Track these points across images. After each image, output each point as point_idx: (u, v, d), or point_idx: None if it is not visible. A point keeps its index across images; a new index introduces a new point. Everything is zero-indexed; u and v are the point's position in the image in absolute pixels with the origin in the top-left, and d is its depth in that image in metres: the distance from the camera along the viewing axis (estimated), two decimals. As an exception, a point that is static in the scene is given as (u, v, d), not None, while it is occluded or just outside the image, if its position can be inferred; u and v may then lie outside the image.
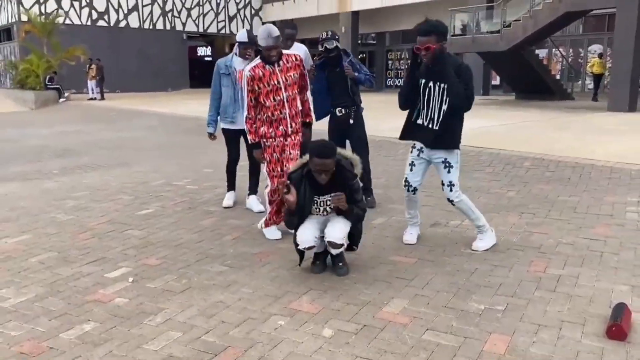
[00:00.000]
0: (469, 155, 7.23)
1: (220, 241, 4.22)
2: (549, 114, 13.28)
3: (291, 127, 4.15)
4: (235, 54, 4.87)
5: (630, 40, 13.63)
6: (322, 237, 3.46)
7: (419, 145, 3.89)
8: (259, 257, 3.85)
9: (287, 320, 2.88)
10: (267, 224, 4.29)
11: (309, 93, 4.45)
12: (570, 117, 12.55)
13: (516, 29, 15.83)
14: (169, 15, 28.08)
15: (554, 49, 22.24)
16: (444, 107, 3.68)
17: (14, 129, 13.74)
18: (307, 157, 3.41)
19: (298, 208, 3.43)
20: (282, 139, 4.15)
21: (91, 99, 22.17)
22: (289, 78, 4.07)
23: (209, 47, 31.70)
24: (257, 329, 2.79)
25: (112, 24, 26.36)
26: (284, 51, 4.12)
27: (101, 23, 26.07)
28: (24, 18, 23.20)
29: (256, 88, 4.03)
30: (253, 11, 30.88)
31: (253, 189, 5.21)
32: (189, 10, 28.69)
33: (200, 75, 27.05)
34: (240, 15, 30.34)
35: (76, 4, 25.32)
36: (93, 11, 25.78)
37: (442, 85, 3.64)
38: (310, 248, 3.44)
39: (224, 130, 5.07)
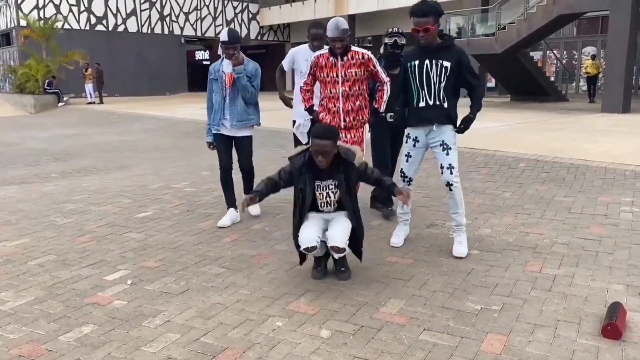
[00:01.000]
0: (465, 156, 7.24)
1: (218, 243, 4.22)
2: (544, 115, 13.31)
3: (344, 121, 4.12)
4: (224, 56, 4.60)
5: (624, 42, 13.67)
6: (323, 241, 3.37)
7: (413, 135, 3.87)
8: (257, 259, 3.85)
9: (285, 321, 2.87)
10: None
11: (386, 88, 4.17)
12: (564, 118, 12.57)
13: (511, 32, 15.87)
14: (167, 19, 28.09)
15: (548, 51, 22.30)
16: (443, 84, 3.69)
17: (13, 132, 13.72)
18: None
19: (299, 196, 3.35)
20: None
21: (90, 102, 22.13)
22: (349, 74, 4.04)
23: (207, 51, 31.71)
24: (255, 330, 2.78)
25: (110, 28, 26.36)
26: (353, 48, 4.08)
27: (99, 27, 26.07)
28: (23, 23, 23.18)
29: (316, 74, 4.14)
30: (250, 15, 30.93)
31: (249, 190, 5.07)
32: (186, 14, 28.70)
33: (198, 78, 27.04)
34: (237, 20, 30.37)
35: (75, 8, 25.31)
36: (91, 16, 25.77)
37: (441, 62, 3.64)
38: (312, 249, 3.30)
39: (214, 136, 4.76)
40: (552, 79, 21.13)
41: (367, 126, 4.34)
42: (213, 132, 4.72)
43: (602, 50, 19.46)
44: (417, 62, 3.72)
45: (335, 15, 25.09)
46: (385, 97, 4.20)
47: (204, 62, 33.11)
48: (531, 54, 19.87)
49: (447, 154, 3.77)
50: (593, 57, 18.51)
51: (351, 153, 3.33)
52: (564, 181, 6.08)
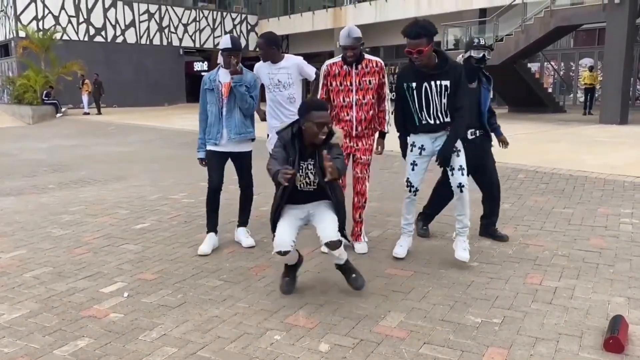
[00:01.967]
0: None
1: (216, 255, 4.19)
2: (542, 127, 13.34)
3: (356, 130, 4.09)
4: (221, 65, 4.33)
5: (621, 54, 13.75)
6: (294, 248, 3.24)
7: (419, 143, 3.86)
8: (255, 271, 3.82)
9: (284, 335, 2.84)
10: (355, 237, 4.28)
11: (387, 104, 4.18)
12: (562, 130, 12.60)
13: (508, 43, 15.96)
14: (166, 30, 28.18)
15: (545, 63, 22.42)
16: (444, 101, 3.68)
17: (10, 143, 13.70)
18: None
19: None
20: (347, 139, 4.09)
21: (85, 113, 22.10)
22: (364, 82, 4.03)
23: (206, 62, 31.79)
24: (253, 344, 2.74)
25: (109, 40, 26.43)
26: (366, 56, 4.06)
27: (98, 39, 26.13)
28: (22, 34, 23.20)
29: (329, 84, 4.10)
30: (249, 27, 31.06)
31: (243, 219, 4.57)
32: (185, 25, 28.81)
33: (196, 89, 26.96)
34: (236, 31, 30.48)
35: (74, 20, 25.38)
36: (90, 27, 25.84)
37: (440, 82, 3.63)
38: (284, 253, 3.18)
39: (208, 152, 4.35)
40: (550, 90, 21.22)
41: (377, 134, 4.29)
42: (208, 147, 4.34)
43: (600, 61, 19.58)
44: (414, 85, 3.69)
45: (333, 27, 25.33)
46: (387, 117, 4.19)
47: (202, 73, 33.10)
48: (529, 65, 19.98)
49: (458, 155, 3.78)
50: (591, 69, 18.60)
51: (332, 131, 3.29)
52: (563, 192, 6.08)
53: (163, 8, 27.91)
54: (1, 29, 26.46)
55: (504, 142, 4.59)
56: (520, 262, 3.89)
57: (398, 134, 4.03)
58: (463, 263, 3.82)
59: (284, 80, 4.46)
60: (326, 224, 3.22)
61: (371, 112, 4.10)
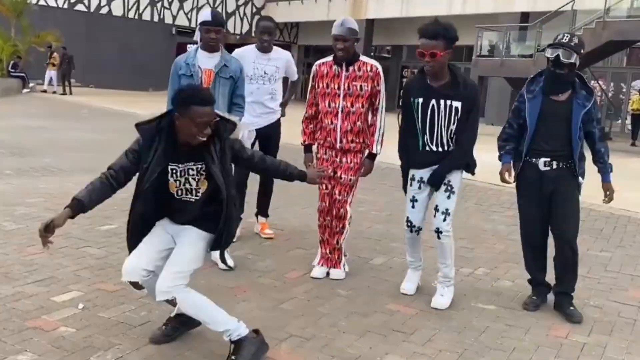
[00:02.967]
0: (487, 193, 7.20)
1: (191, 269, 4.15)
2: (582, 155, 13.31)
3: (340, 142, 4.03)
4: (199, 46, 4.17)
5: (680, 79, 13.77)
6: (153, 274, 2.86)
7: (418, 176, 3.78)
8: (235, 292, 3.79)
9: (261, 370, 2.80)
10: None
11: (380, 118, 4.07)
12: (606, 160, 12.56)
13: (551, 55, 15.98)
14: (158, 5, 28.32)
15: (593, 81, 22.46)
16: (452, 127, 3.62)
17: (-34, 118, 13.70)
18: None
19: (144, 180, 2.83)
20: (331, 152, 4.08)
21: (44, 91, 21.89)
22: (353, 87, 3.96)
23: (201, 45, 32.02)
24: (223, 378, 2.71)
25: (92, 10, 26.54)
26: (362, 58, 4.01)
27: (79, 7, 26.25)
28: (-7, -5, 23.36)
29: (317, 86, 4.06)
30: (255, 9, 31.20)
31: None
32: (181, 1, 28.95)
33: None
34: (239, 13, 30.65)
35: (53, -17, 25.54)
36: (71, -7, 26.00)
37: (450, 102, 3.57)
38: (135, 286, 2.88)
39: None
40: (596, 113, 21.20)
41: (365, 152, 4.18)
42: None
43: (655, 85, 19.63)
44: (420, 101, 3.63)
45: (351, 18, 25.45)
46: (377, 135, 4.08)
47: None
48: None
49: (449, 196, 3.69)
50: (642, 92, 18.66)
51: (231, 123, 2.95)
52: (601, 233, 6.05)
53: (157, -22, 28.11)
54: (-31, -13, 26.62)
55: (608, 193, 3.85)
56: (545, 310, 3.86)
57: (400, 163, 3.94)
58: (482, 307, 3.79)
59: (271, 73, 4.55)
60: (169, 269, 2.82)
61: (359, 124, 4.02)
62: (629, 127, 20.29)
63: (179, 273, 2.80)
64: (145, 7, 27.98)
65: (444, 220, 3.68)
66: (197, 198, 2.95)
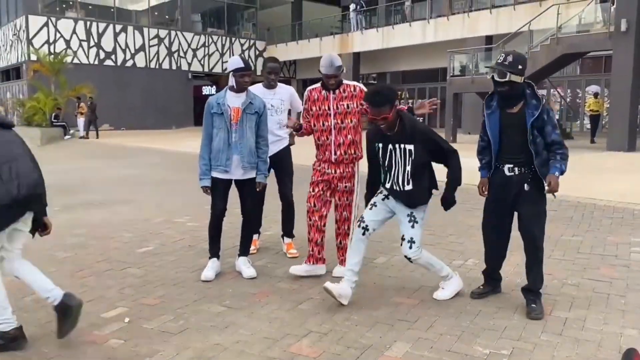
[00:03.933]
0: (470, 193, 7.14)
1: (219, 280, 4.13)
2: (549, 153, 13.26)
3: (335, 154, 4.09)
4: (229, 88, 4.17)
5: (627, 81, 13.77)
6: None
7: (385, 192, 3.67)
8: (258, 297, 3.76)
9: (286, 364, 2.77)
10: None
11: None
12: (570, 157, 12.51)
13: (515, 70, 15.99)
14: (175, 55, 28.54)
15: (552, 90, 22.45)
16: (408, 168, 3.51)
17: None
18: None
19: None
20: (326, 165, 4.12)
21: (81, 137, 21.97)
22: (341, 106, 4.06)
23: (214, 86, 32.11)
24: (255, 373, 2.68)
25: (119, 64, 26.77)
26: (345, 81, 4.13)
27: (108, 62, 26.47)
28: (34, 57, 23.57)
29: (309, 109, 4.16)
30: (257, 52, 31.42)
31: (243, 249, 4.38)
32: (194, 50, 29.17)
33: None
34: (244, 56, 30.79)
35: (85, 44, 25.77)
36: (101, 51, 26.21)
37: (404, 146, 3.49)
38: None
39: (213, 180, 4.14)
40: (557, 117, 21.19)
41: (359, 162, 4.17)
42: (214, 174, 4.14)
43: (606, 89, 19.58)
44: (381, 145, 3.58)
45: (341, 52, 25.54)
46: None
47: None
48: (535, 92, 19.98)
49: (413, 226, 3.57)
50: (596, 95, 18.61)
51: None
52: (572, 220, 6.00)
53: (173, 33, 28.34)
54: (13, 52, 26.89)
55: (551, 186, 3.53)
56: (529, 291, 3.81)
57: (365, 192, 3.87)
58: (463, 291, 3.77)
59: (277, 105, 4.66)
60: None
61: (349, 137, 4.09)
62: (587, 126, 20.22)
63: None
64: (164, 58, 28.19)
65: (410, 248, 3.56)
66: None
